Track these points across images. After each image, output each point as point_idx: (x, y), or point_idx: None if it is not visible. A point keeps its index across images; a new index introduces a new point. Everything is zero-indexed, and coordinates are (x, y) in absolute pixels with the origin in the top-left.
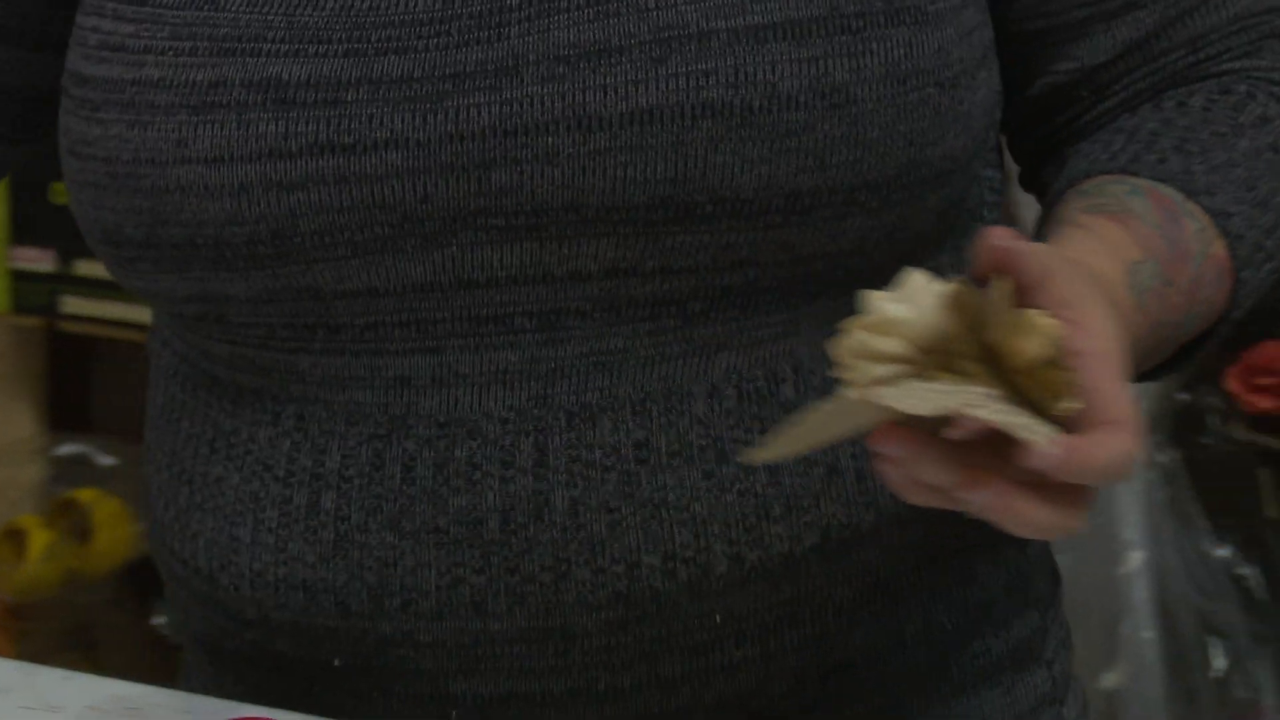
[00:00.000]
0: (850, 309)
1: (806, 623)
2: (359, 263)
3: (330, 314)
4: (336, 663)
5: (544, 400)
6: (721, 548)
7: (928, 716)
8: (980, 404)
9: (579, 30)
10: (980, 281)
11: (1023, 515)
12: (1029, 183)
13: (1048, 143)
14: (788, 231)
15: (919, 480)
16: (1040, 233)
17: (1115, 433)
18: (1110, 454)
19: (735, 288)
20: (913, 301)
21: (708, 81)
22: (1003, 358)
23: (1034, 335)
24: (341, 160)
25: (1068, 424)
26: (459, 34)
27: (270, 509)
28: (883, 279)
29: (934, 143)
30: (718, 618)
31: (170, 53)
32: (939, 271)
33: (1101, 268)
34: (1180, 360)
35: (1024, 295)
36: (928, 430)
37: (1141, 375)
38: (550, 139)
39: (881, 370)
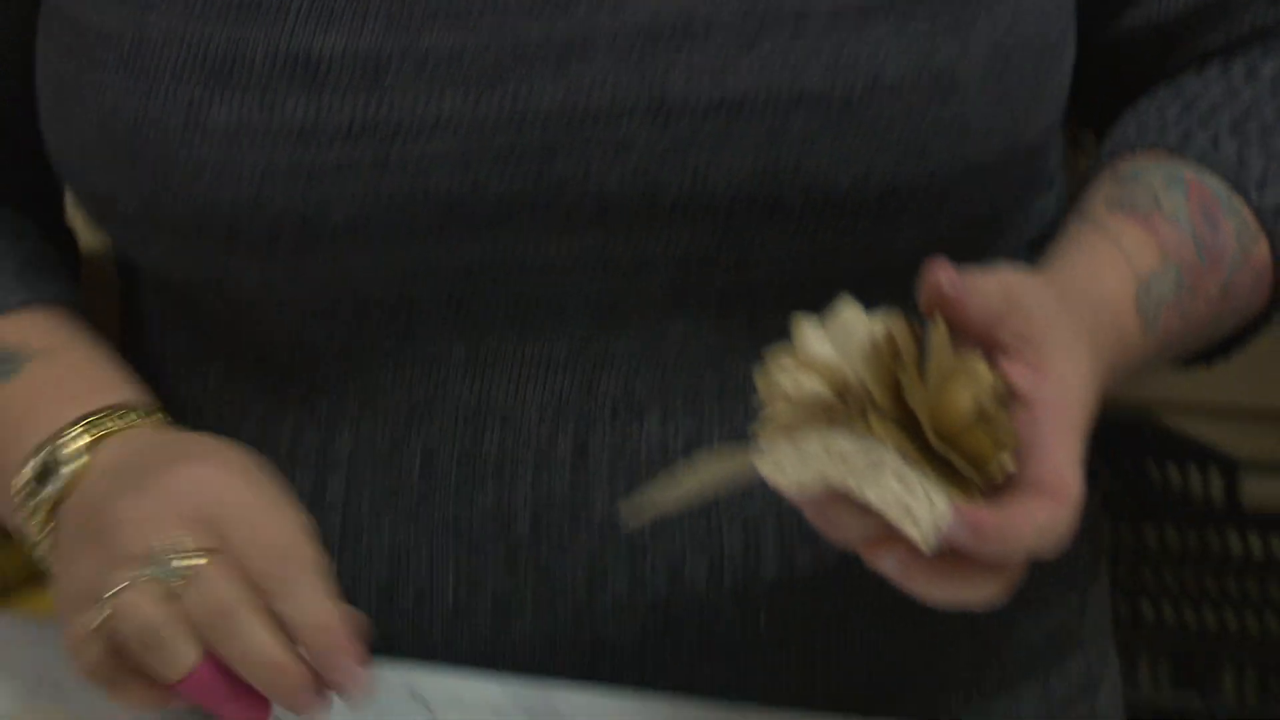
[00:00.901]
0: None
1: (854, 622)
2: (396, 251)
3: (356, 293)
4: None
5: (588, 391)
6: (773, 550)
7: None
8: (870, 472)
9: (659, 4)
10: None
11: (925, 590)
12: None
13: (1109, 101)
14: (878, 226)
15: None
16: (1064, 215)
17: (1044, 503)
18: (1036, 527)
19: (811, 282)
20: (842, 336)
21: (805, 67)
22: (935, 407)
23: (968, 385)
24: (381, 146)
25: (1004, 483)
26: (519, 3)
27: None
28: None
29: (1033, 120)
30: (762, 620)
31: (181, 9)
32: (1012, 256)
33: (1104, 291)
34: (1210, 356)
35: (980, 330)
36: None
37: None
38: (623, 127)
39: (789, 418)
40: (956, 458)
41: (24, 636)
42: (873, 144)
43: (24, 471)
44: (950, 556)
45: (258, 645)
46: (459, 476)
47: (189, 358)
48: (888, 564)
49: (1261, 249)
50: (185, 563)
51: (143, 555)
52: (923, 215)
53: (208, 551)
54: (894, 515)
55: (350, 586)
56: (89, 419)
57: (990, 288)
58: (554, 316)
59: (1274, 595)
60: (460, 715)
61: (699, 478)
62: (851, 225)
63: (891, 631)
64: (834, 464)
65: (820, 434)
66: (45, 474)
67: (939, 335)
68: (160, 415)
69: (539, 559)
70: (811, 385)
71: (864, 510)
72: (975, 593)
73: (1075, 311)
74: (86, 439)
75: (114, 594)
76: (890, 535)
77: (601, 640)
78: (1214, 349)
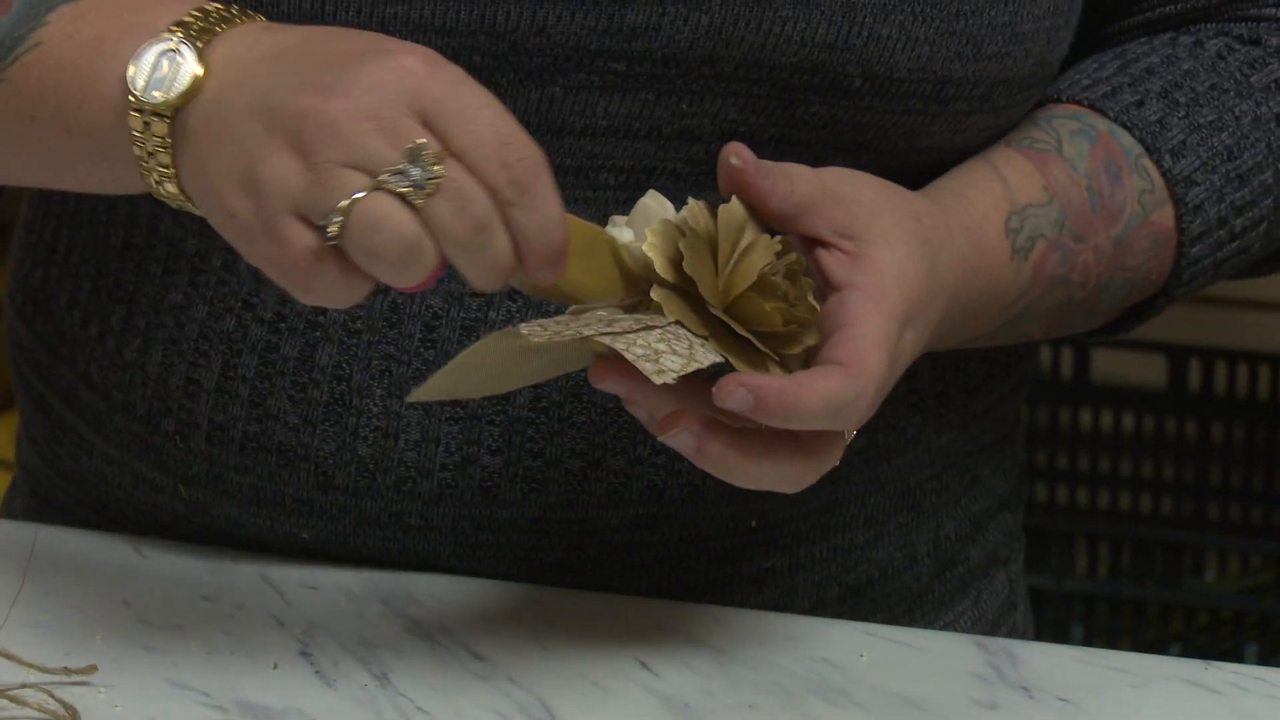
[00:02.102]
0: None
1: (838, 533)
2: None
3: None
4: (305, 536)
5: None
6: None
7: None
8: (631, 334)
9: None
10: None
11: (730, 465)
12: None
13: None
14: (921, 120)
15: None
16: None
17: (835, 374)
18: (824, 397)
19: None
20: (641, 221)
21: None
22: (722, 279)
23: (754, 257)
24: None
25: (807, 363)
26: None
27: (248, 354)
28: None
29: (1061, 41)
30: (753, 523)
31: None
32: None
33: (969, 209)
34: (1117, 326)
35: (783, 221)
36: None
37: (1068, 337)
38: None
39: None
40: (737, 325)
41: None
42: (938, 32)
43: (134, 78)
44: (750, 434)
45: (502, 260)
46: (460, 349)
47: (153, 209)
48: (682, 439)
49: (1165, 215)
50: (434, 168)
51: (380, 158)
52: (961, 115)
53: (446, 155)
54: (635, 355)
55: (327, 464)
56: (191, 18)
57: (802, 174)
58: (583, 184)
59: (1124, 471)
60: (314, 599)
61: (478, 356)
62: (899, 113)
63: (872, 545)
64: (596, 324)
65: (601, 309)
66: (157, 80)
67: (730, 212)
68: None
69: (534, 439)
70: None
71: (659, 396)
72: (779, 471)
73: (908, 211)
74: (197, 42)
75: (353, 202)
76: (685, 412)
77: (591, 526)
78: (1115, 322)
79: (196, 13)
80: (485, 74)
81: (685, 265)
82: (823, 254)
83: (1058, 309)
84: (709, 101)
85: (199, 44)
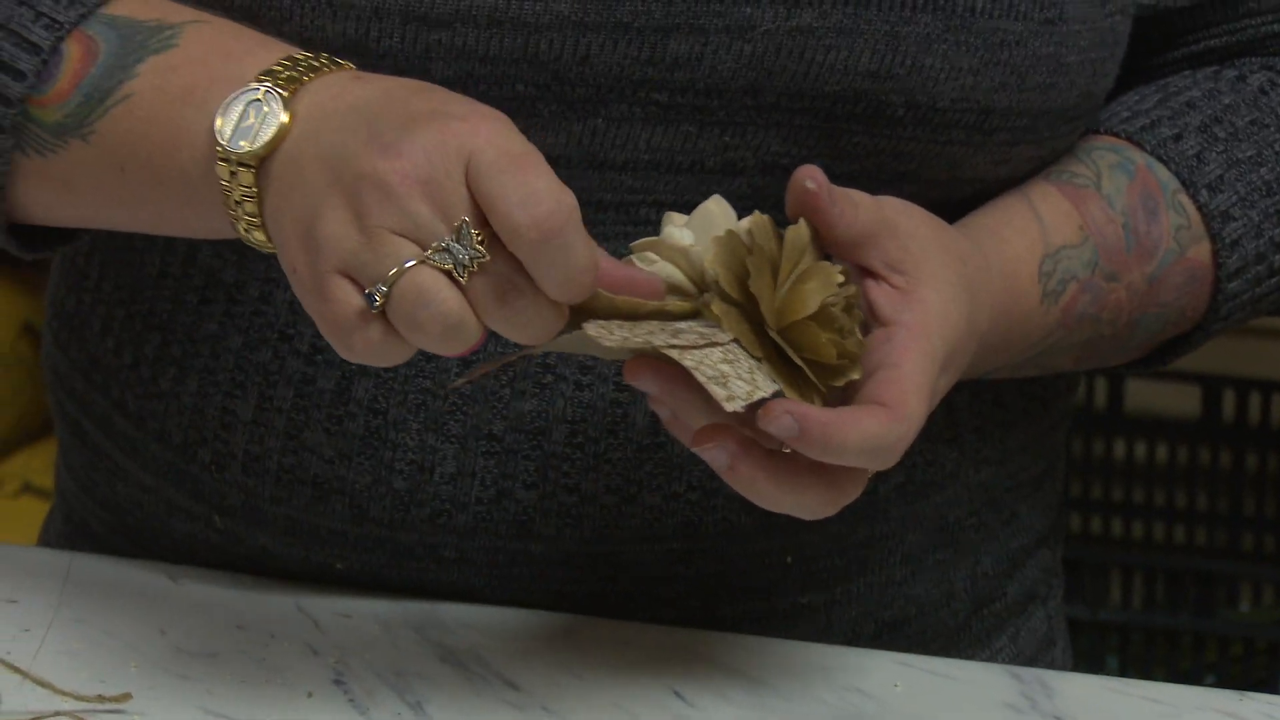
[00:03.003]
0: None
1: (875, 569)
2: None
3: None
4: (339, 567)
5: None
6: None
7: None
8: (694, 346)
9: None
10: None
11: (752, 488)
12: None
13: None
14: (964, 150)
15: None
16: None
17: (877, 414)
18: (865, 435)
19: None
20: (704, 227)
21: None
22: (781, 302)
23: (817, 286)
24: (499, 1)
25: (847, 396)
26: None
27: (284, 386)
28: None
29: (1106, 74)
30: (789, 559)
31: None
32: None
33: (1005, 250)
34: (1153, 360)
35: (847, 246)
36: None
37: (1099, 371)
38: (749, 9)
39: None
40: (792, 352)
41: None
42: (982, 61)
43: (221, 129)
44: (782, 459)
45: (546, 328)
46: (497, 385)
47: (192, 240)
48: (717, 455)
49: (1202, 250)
50: (478, 247)
51: (429, 229)
52: (1005, 146)
53: (487, 230)
54: (705, 377)
55: (361, 497)
56: (280, 67)
57: (865, 204)
58: (624, 220)
59: (1158, 501)
60: (348, 627)
61: (554, 347)
62: (942, 143)
63: (909, 582)
64: (662, 335)
65: (664, 319)
66: (243, 130)
67: (797, 234)
68: (352, 65)
69: (570, 474)
70: (667, 271)
71: (697, 406)
72: (802, 499)
73: (955, 253)
74: (283, 91)
75: (400, 272)
76: (724, 427)
77: (623, 560)
78: (1152, 356)
79: (285, 61)
80: (528, 104)
81: (751, 284)
82: (872, 286)
83: (1087, 344)
84: (751, 133)
85: (285, 93)
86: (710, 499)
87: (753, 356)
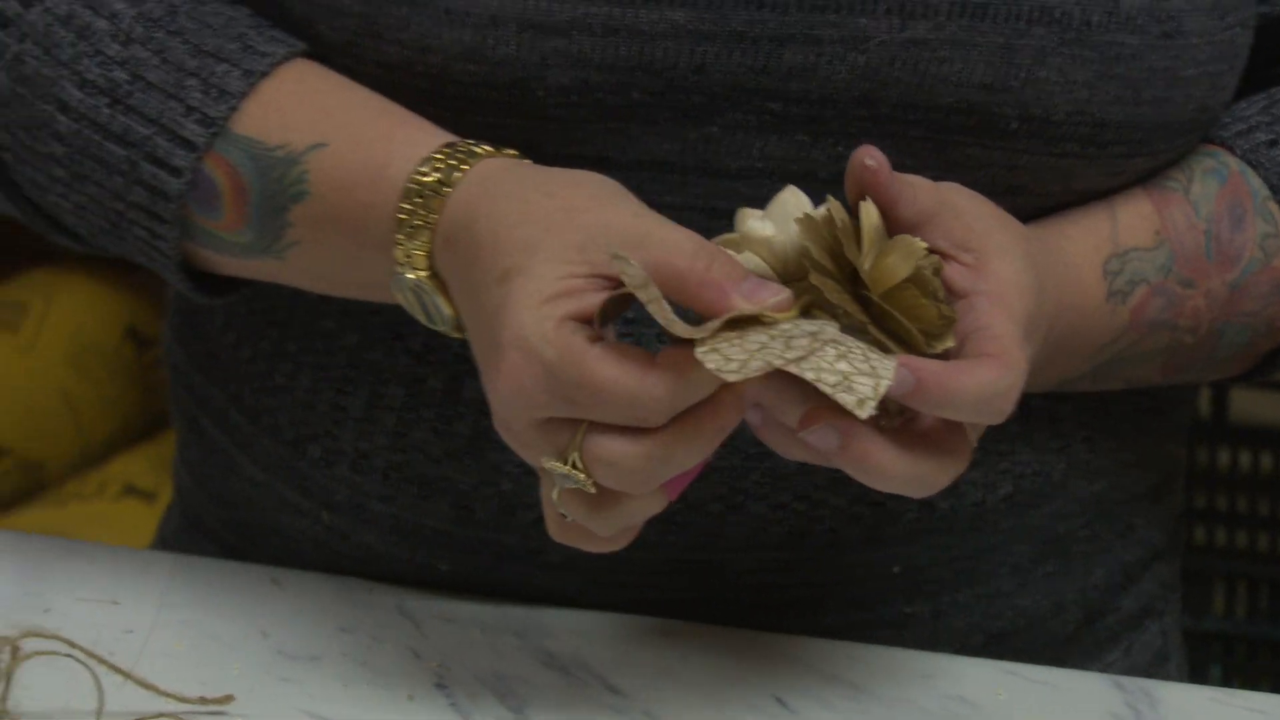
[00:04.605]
0: None
1: (983, 580)
2: (598, 128)
3: None
4: (443, 568)
5: None
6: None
7: None
8: (810, 350)
9: None
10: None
11: (872, 461)
12: None
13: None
14: (1078, 163)
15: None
16: None
17: (990, 364)
18: (980, 384)
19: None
20: (782, 215)
21: None
22: (873, 270)
23: (904, 253)
24: (615, 9)
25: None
26: None
27: (394, 384)
28: None
29: (1224, 86)
30: (896, 568)
31: None
32: None
33: (1068, 244)
34: (1256, 371)
35: (908, 228)
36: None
37: (1205, 382)
38: (863, 20)
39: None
40: (899, 314)
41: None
42: (1097, 75)
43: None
44: (890, 433)
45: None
46: None
47: None
48: (826, 435)
49: None
50: (579, 475)
51: (537, 460)
52: (1120, 159)
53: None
54: (829, 386)
55: (468, 498)
56: (404, 235)
57: (923, 185)
58: (728, 228)
59: (1262, 511)
60: (450, 630)
61: None
62: (1056, 156)
63: (1017, 593)
64: (775, 347)
65: (761, 326)
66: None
67: (868, 212)
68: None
69: None
70: (753, 262)
71: (797, 393)
72: (916, 470)
73: (1016, 231)
74: (423, 272)
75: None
76: (828, 408)
77: (725, 569)
78: (1256, 367)
79: (404, 214)
80: (644, 111)
81: (847, 252)
82: (943, 265)
83: (1167, 352)
84: (864, 144)
85: (427, 274)
86: (817, 509)
87: (858, 331)
